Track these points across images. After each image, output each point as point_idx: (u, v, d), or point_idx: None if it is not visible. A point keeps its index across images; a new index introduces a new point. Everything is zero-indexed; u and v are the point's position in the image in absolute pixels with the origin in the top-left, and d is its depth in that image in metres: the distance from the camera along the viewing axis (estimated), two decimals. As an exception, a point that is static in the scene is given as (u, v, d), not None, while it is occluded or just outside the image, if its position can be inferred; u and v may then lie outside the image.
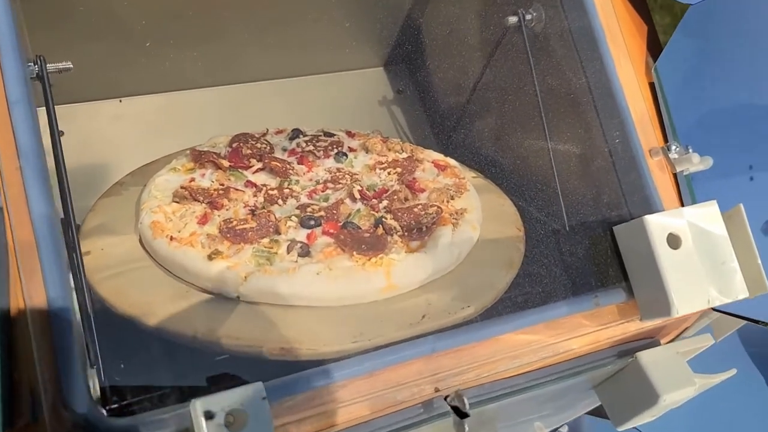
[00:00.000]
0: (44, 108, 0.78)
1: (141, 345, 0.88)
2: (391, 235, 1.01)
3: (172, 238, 0.97)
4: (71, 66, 0.85)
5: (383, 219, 1.04)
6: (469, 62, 1.38)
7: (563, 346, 0.90)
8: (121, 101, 1.38)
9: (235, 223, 0.99)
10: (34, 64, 0.79)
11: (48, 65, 0.81)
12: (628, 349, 0.90)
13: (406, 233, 1.01)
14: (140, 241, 0.96)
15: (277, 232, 1.00)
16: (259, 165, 1.19)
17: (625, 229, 0.89)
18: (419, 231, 1.02)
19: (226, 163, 1.18)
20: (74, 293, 0.69)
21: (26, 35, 0.82)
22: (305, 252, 0.96)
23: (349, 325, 0.81)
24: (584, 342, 0.91)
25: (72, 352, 0.60)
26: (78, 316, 0.68)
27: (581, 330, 0.88)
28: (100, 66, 1.24)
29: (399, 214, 1.06)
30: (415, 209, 1.07)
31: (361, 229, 1.03)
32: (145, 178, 1.17)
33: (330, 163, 1.24)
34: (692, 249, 0.83)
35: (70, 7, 1.15)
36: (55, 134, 0.77)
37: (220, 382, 0.79)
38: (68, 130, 1.27)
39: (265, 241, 0.97)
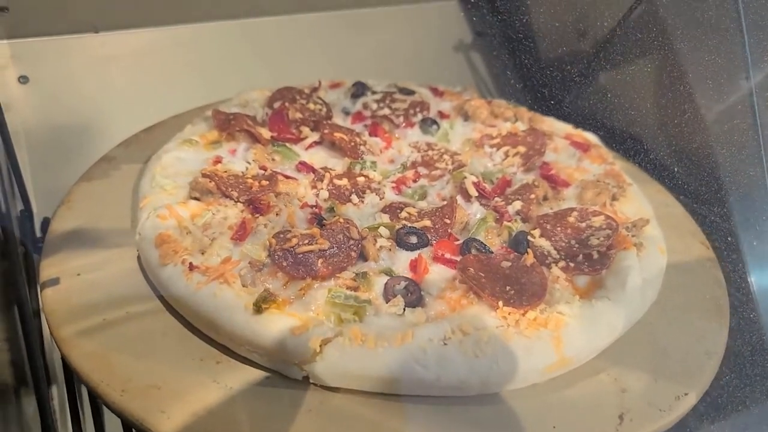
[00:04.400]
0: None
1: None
2: (548, 266, 0.62)
3: (192, 267, 0.58)
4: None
5: (527, 236, 0.65)
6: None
7: None
8: (105, 35, 0.98)
9: (294, 240, 0.60)
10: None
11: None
12: None
13: (570, 262, 0.62)
14: (139, 259, 0.60)
15: (364, 257, 0.61)
16: (315, 137, 0.80)
17: None
18: (588, 259, 0.63)
19: (266, 134, 0.79)
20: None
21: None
22: (416, 298, 0.57)
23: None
24: None
25: None
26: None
27: None
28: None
29: (547, 226, 0.67)
30: (570, 218, 0.68)
31: (493, 252, 0.64)
32: (144, 151, 0.81)
33: (415, 134, 0.86)
34: None
35: None
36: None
37: None
38: (34, 75, 0.94)
39: (348, 276, 0.59)
